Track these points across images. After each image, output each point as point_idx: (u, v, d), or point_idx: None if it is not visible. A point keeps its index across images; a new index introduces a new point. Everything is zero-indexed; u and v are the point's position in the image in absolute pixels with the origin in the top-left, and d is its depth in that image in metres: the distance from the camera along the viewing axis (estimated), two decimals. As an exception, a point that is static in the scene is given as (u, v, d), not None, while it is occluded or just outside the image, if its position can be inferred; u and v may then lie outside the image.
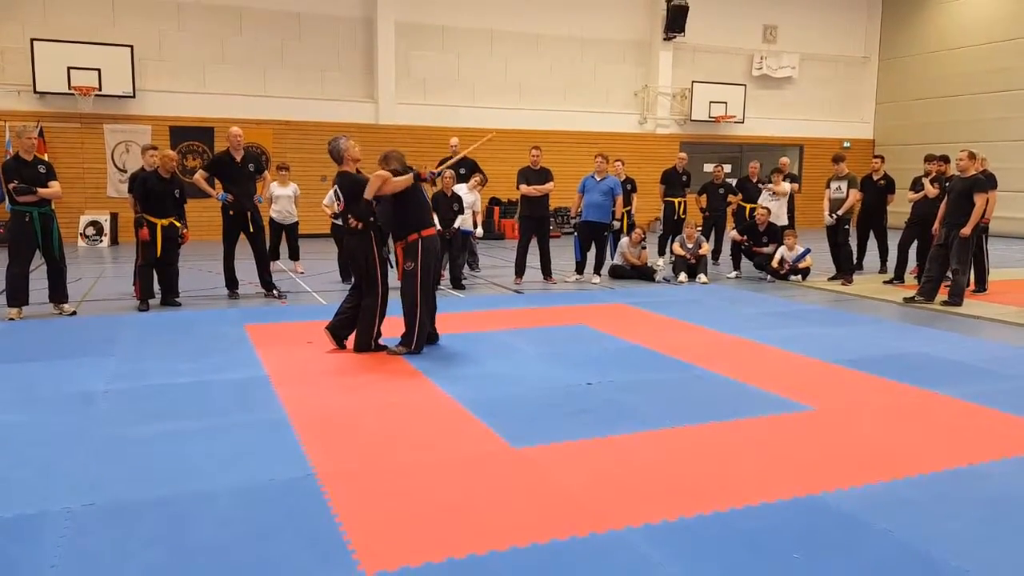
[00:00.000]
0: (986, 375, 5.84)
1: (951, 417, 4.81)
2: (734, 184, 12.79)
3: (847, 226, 10.83)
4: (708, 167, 20.08)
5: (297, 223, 11.06)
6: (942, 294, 8.92)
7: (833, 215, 10.76)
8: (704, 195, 12.65)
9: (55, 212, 7.71)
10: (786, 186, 11.49)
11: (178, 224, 8.28)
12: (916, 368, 5.98)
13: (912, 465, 3.95)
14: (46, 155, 13.10)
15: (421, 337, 6.20)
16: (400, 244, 6.20)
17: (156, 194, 8.07)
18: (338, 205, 6.36)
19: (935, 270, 8.95)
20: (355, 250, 6.21)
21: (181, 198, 8.36)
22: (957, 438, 4.42)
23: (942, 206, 9.03)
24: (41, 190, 7.42)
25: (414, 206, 6.16)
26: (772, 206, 11.24)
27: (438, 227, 6.45)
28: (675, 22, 18.90)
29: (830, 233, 10.90)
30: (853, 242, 11.22)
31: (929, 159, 10.39)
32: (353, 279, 6.43)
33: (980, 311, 8.50)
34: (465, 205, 9.90)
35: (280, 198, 10.80)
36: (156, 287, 8.24)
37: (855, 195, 10.85)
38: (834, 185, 10.97)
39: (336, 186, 6.31)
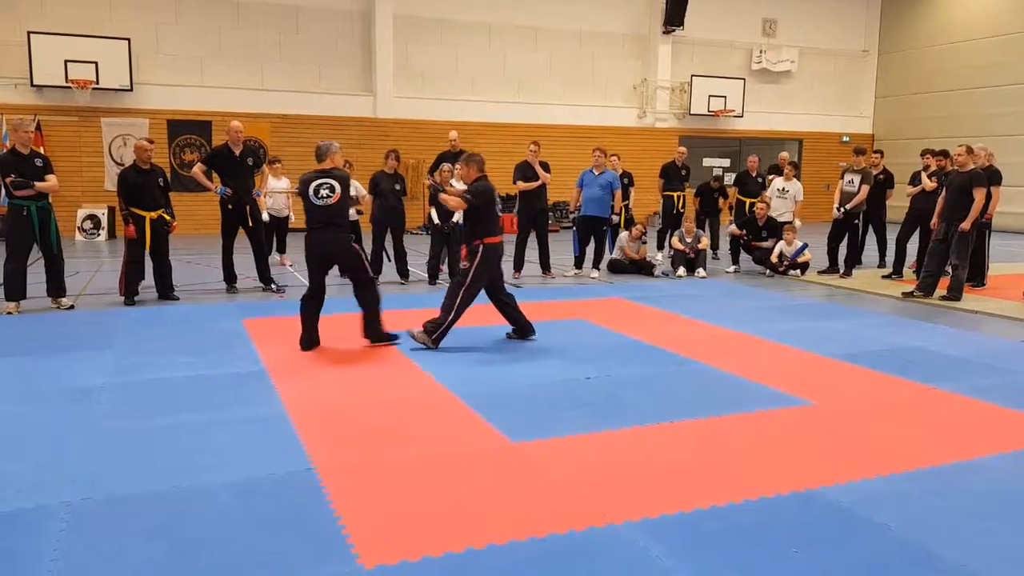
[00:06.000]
0: (984, 370, 5.85)
1: (949, 412, 4.82)
2: (733, 179, 12.79)
3: (857, 221, 10.71)
4: (707, 161, 20.17)
5: (288, 217, 10.98)
6: (941, 289, 8.92)
7: (841, 209, 10.52)
8: (699, 198, 12.63)
9: (52, 206, 7.69)
10: (798, 184, 11.39)
11: (167, 217, 8.21)
12: (914, 363, 5.98)
13: (910, 460, 3.96)
14: (43, 148, 13.08)
15: (444, 333, 6.29)
16: (465, 245, 6.54)
17: (138, 187, 7.98)
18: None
19: (934, 265, 8.94)
20: (346, 249, 6.38)
21: (165, 187, 8.26)
22: (955, 433, 4.43)
23: (940, 200, 9.01)
24: (38, 184, 7.39)
25: (486, 215, 6.44)
26: (777, 203, 11.15)
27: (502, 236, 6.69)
28: (674, 15, 18.90)
29: (836, 226, 10.78)
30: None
31: (926, 153, 10.36)
32: (311, 290, 6.39)
33: (979, 306, 8.50)
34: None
35: (274, 192, 10.76)
36: (142, 284, 8.16)
37: (866, 191, 10.42)
38: (847, 178, 10.56)
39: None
